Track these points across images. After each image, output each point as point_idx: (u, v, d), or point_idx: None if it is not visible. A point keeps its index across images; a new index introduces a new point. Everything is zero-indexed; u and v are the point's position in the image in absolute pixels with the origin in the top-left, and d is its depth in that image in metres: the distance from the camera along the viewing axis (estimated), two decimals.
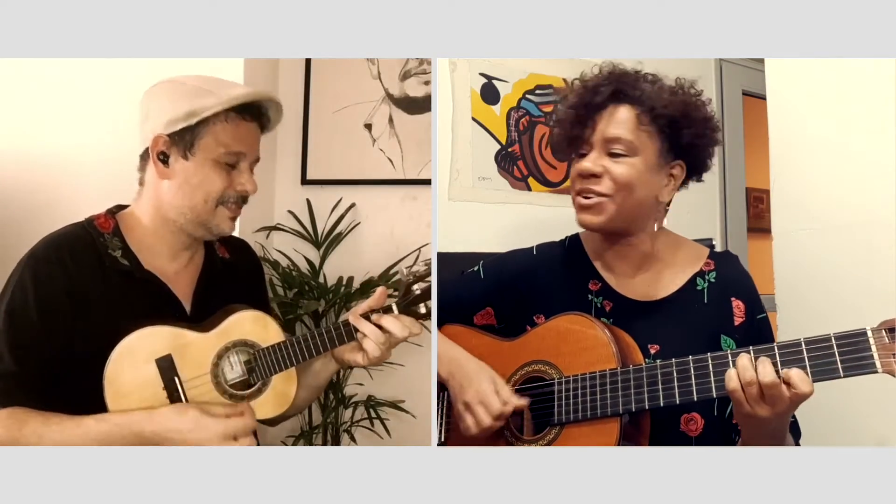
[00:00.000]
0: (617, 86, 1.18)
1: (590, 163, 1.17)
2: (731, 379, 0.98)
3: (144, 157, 1.22)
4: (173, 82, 1.20)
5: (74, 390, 1.13)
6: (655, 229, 1.22)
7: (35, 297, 1.13)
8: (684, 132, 1.17)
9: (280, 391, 1.25)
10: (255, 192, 1.23)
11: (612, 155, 1.16)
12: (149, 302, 1.20)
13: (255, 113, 1.22)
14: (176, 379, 1.15)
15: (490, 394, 1.16)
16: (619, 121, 1.16)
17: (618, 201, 1.16)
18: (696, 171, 1.23)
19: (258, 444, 1.16)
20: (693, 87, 1.21)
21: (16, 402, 1.11)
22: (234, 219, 1.24)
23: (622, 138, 1.15)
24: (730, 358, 1.02)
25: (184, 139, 1.17)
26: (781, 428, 1.03)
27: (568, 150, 1.23)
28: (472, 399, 1.17)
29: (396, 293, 1.22)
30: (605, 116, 1.17)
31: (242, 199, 1.24)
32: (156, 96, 1.20)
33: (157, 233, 1.23)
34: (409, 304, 1.20)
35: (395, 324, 1.19)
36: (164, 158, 1.19)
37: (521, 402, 1.16)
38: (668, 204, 1.23)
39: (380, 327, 1.19)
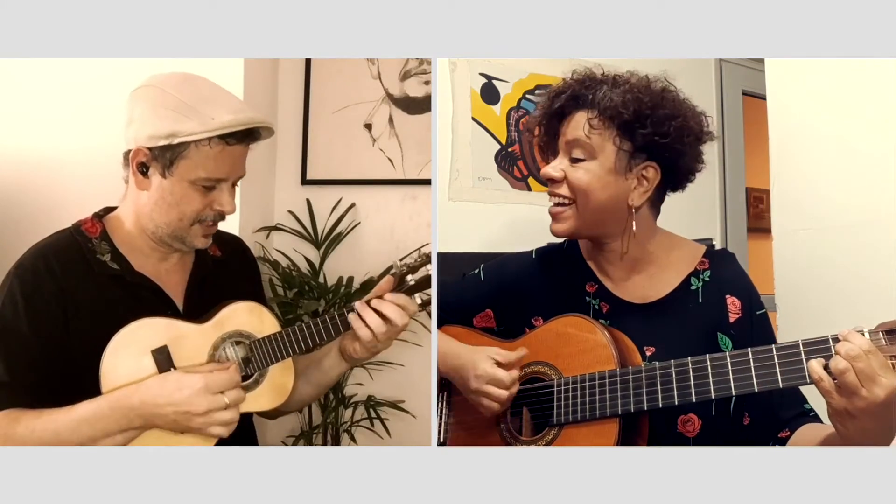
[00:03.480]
0: (574, 91, 1.19)
1: (551, 168, 1.19)
2: (815, 370, 0.94)
3: (127, 157, 1.20)
4: (155, 89, 1.17)
5: (71, 396, 1.12)
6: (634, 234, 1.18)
7: (25, 308, 1.13)
8: (639, 132, 1.14)
9: (277, 382, 1.25)
10: (232, 212, 1.22)
11: (574, 160, 1.18)
12: (142, 304, 1.19)
13: (240, 136, 1.18)
14: (172, 370, 1.15)
15: (493, 369, 1.17)
16: (575, 125, 1.18)
17: (579, 208, 1.18)
18: (673, 172, 1.19)
19: (244, 398, 1.16)
20: (665, 84, 1.19)
21: (10, 408, 1.11)
22: (207, 236, 1.23)
23: (578, 140, 1.17)
24: (728, 360, 1.02)
25: (164, 156, 1.15)
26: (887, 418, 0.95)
27: (542, 159, 1.27)
28: (478, 384, 1.17)
29: None
30: (566, 123, 1.20)
31: (220, 217, 1.23)
32: (139, 103, 1.18)
33: (141, 236, 1.22)
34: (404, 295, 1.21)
35: (394, 310, 1.19)
36: (143, 170, 1.17)
37: (520, 353, 1.18)
38: (657, 208, 1.22)
39: (379, 314, 1.20)
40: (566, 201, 1.19)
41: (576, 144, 1.17)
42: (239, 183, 1.25)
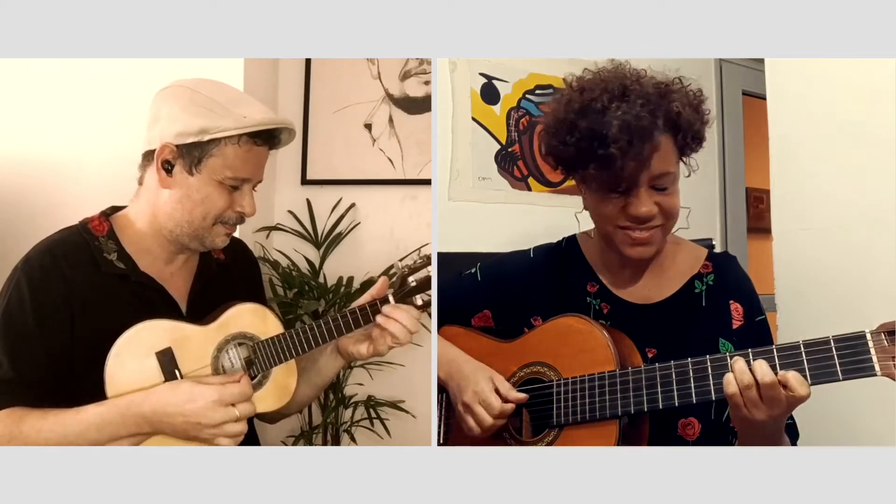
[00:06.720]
0: (662, 114, 1.07)
1: (645, 207, 1.09)
2: (730, 384, 0.97)
3: (147, 157, 1.21)
4: (185, 89, 1.18)
5: (75, 394, 1.13)
6: None
7: (31, 303, 1.13)
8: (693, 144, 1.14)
9: (281, 384, 1.25)
10: (253, 214, 1.23)
11: (657, 189, 1.09)
12: (145, 304, 1.19)
13: (266, 136, 1.21)
14: (176, 372, 1.15)
15: (489, 393, 1.16)
16: (666, 154, 1.08)
17: (667, 227, 1.14)
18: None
19: (255, 411, 1.16)
20: (699, 90, 1.16)
21: (14, 406, 1.11)
22: (229, 235, 1.24)
23: (669, 173, 1.09)
24: (728, 360, 1.02)
25: (191, 154, 1.16)
26: (777, 430, 1.03)
27: (605, 190, 1.11)
28: (471, 400, 1.17)
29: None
30: (657, 156, 1.07)
31: (241, 219, 1.24)
32: (167, 102, 1.18)
33: (153, 236, 1.23)
34: (405, 296, 1.21)
35: (410, 319, 1.21)
36: (168, 168, 1.18)
37: (521, 395, 1.16)
38: None
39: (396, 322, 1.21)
40: (654, 230, 1.13)
41: (665, 175, 1.09)
42: None
